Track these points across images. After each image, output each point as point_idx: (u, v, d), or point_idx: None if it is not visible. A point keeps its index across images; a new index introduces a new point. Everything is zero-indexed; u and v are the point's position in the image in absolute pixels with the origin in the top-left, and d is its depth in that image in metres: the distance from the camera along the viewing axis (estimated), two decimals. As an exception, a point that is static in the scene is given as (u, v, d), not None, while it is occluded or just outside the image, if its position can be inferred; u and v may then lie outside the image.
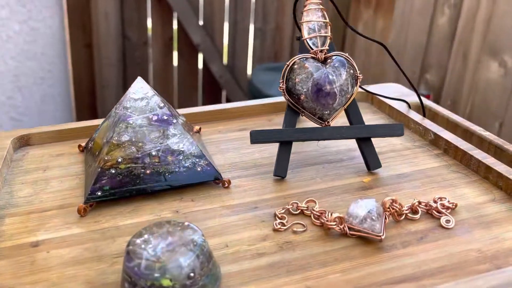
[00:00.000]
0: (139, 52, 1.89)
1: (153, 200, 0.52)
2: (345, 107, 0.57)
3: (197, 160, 0.53)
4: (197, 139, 0.60)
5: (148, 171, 0.52)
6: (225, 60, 1.98)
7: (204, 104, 2.04)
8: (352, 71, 0.56)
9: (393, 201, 0.47)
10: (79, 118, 1.94)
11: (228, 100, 2.04)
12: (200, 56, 1.94)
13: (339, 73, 0.54)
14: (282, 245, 0.45)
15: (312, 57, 0.56)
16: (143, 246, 0.38)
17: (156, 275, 0.36)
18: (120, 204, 0.51)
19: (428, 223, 0.48)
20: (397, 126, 0.57)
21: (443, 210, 0.49)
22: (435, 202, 0.50)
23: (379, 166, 0.57)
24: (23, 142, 0.64)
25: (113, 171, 0.51)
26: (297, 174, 0.57)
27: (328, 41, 0.56)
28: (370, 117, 0.73)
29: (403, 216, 0.49)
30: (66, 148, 0.64)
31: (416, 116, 0.68)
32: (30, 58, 1.56)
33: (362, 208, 0.46)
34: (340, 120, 0.65)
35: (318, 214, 0.48)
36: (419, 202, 0.50)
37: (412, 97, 0.73)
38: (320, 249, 0.45)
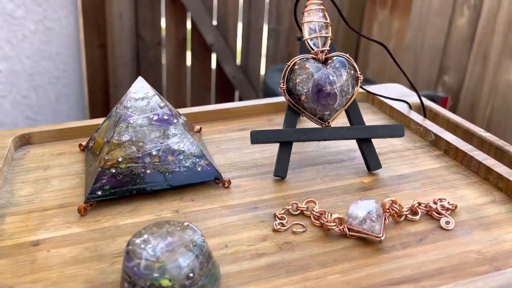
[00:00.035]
0: (152, 52, 1.89)
1: (153, 200, 0.52)
2: (346, 107, 0.57)
3: (198, 160, 0.53)
4: (197, 139, 0.60)
5: (148, 171, 0.52)
6: (238, 60, 1.97)
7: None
8: (352, 71, 0.56)
9: (393, 202, 0.47)
10: (93, 117, 1.94)
11: (240, 101, 2.04)
12: (214, 56, 1.94)
13: (340, 74, 0.54)
14: (282, 245, 0.45)
15: (313, 58, 0.56)
16: (142, 246, 0.38)
17: (156, 275, 0.36)
18: (120, 204, 0.51)
19: (427, 224, 0.48)
20: (397, 127, 0.57)
21: (443, 212, 0.49)
22: (435, 203, 0.50)
23: (379, 166, 0.57)
24: (24, 141, 0.64)
25: (114, 171, 0.51)
26: (297, 174, 0.57)
27: (329, 41, 0.56)
28: (371, 118, 0.72)
29: (403, 217, 0.49)
30: (67, 147, 0.64)
31: (416, 117, 0.68)
32: (45, 57, 1.57)
33: (362, 209, 0.46)
34: (340, 120, 0.65)
35: (318, 214, 0.48)
36: (419, 203, 0.50)
37: (413, 98, 0.73)
38: (320, 250, 0.45)
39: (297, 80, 0.55)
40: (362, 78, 0.56)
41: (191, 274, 0.37)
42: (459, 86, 1.46)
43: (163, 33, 1.88)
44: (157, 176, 0.52)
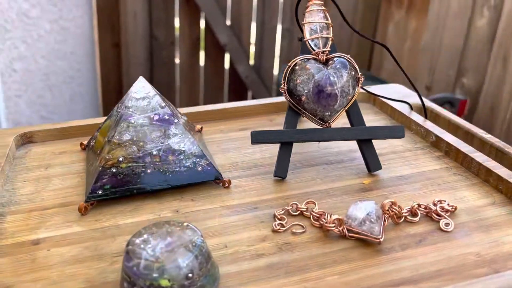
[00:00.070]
0: (166, 51, 1.89)
1: (154, 200, 0.52)
2: (346, 108, 0.57)
3: (198, 160, 0.54)
4: (198, 138, 0.60)
5: (149, 171, 0.52)
6: (251, 60, 1.97)
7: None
8: (353, 72, 0.56)
9: (393, 203, 0.48)
10: (106, 116, 1.95)
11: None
12: (227, 56, 1.94)
13: (340, 75, 0.54)
14: (281, 246, 0.45)
15: (314, 58, 0.56)
16: (142, 246, 0.38)
17: (155, 275, 0.36)
18: (120, 203, 0.52)
19: (427, 226, 0.48)
20: (398, 128, 0.57)
21: (443, 213, 0.49)
22: (434, 205, 0.50)
23: (380, 167, 0.57)
24: (26, 140, 0.64)
25: (114, 170, 0.51)
26: (298, 174, 0.57)
27: (330, 42, 0.56)
28: (372, 118, 0.73)
29: (402, 219, 0.49)
30: (68, 146, 0.64)
31: (418, 118, 0.68)
32: (60, 57, 1.58)
33: (361, 210, 0.46)
34: (341, 120, 0.65)
35: (318, 215, 0.49)
36: (419, 205, 0.50)
37: (415, 98, 0.73)
38: (319, 251, 0.45)
39: (298, 81, 0.55)
40: (363, 79, 0.56)
41: (190, 275, 0.37)
42: (478, 89, 1.43)
43: (177, 33, 1.89)
44: (157, 176, 0.52)
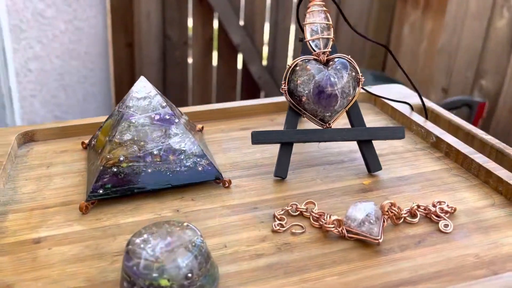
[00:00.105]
0: (179, 51, 1.89)
1: (154, 199, 0.53)
2: (347, 109, 0.57)
3: (199, 159, 0.54)
4: (199, 138, 0.60)
5: (149, 170, 0.52)
6: (264, 61, 1.97)
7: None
8: (354, 73, 0.56)
9: (392, 204, 0.48)
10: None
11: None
12: (240, 57, 1.94)
13: (341, 75, 0.55)
14: (281, 246, 0.46)
15: (315, 59, 0.56)
16: (142, 245, 0.38)
17: (155, 275, 0.37)
18: (121, 202, 0.52)
19: (426, 227, 0.48)
20: (398, 129, 0.58)
21: (442, 214, 0.49)
22: (434, 206, 0.50)
23: (380, 168, 0.57)
24: (28, 138, 0.65)
25: (115, 170, 0.51)
26: (298, 175, 0.58)
27: (330, 43, 0.56)
28: (373, 118, 0.73)
29: (402, 220, 0.49)
30: (69, 145, 0.64)
31: (418, 118, 0.68)
32: (74, 57, 1.59)
33: (361, 211, 0.46)
34: (341, 121, 0.65)
35: (317, 216, 0.49)
36: (418, 206, 0.50)
37: (415, 99, 0.73)
38: (318, 251, 0.45)
39: (298, 82, 0.55)
40: (363, 79, 0.56)
41: (189, 274, 0.37)
42: (497, 91, 1.41)
43: (190, 33, 1.89)
44: (158, 176, 0.52)
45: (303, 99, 0.55)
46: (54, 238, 0.47)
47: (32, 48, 1.46)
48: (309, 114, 0.56)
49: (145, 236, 0.39)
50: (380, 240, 0.45)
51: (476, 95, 1.48)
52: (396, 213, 0.48)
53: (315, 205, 0.51)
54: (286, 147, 0.56)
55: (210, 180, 0.54)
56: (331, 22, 0.57)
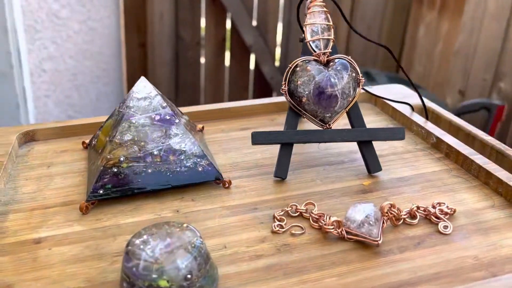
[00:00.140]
0: (192, 52, 1.89)
1: (154, 199, 0.53)
2: (347, 109, 0.57)
3: (199, 160, 0.54)
4: (199, 138, 0.60)
5: (149, 170, 0.52)
6: (277, 62, 1.97)
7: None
8: (354, 74, 0.56)
9: (392, 206, 0.48)
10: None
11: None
12: (252, 57, 1.93)
13: (341, 76, 0.55)
14: (280, 247, 0.46)
15: (315, 60, 0.56)
16: (142, 246, 0.38)
17: (154, 276, 0.37)
18: (121, 203, 0.52)
19: (426, 229, 0.48)
20: (398, 130, 0.58)
21: (441, 216, 0.49)
22: (433, 207, 0.50)
23: (380, 169, 0.57)
24: (29, 138, 0.65)
25: (115, 170, 0.51)
26: (298, 175, 0.58)
27: (331, 43, 0.56)
28: (373, 119, 0.73)
29: (401, 221, 0.49)
30: (70, 145, 0.64)
31: (419, 119, 0.68)
32: (87, 57, 1.60)
33: (360, 212, 0.46)
34: (342, 121, 0.65)
35: (317, 217, 0.49)
36: (418, 207, 0.50)
37: (416, 99, 0.73)
38: (318, 253, 0.45)
39: (299, 82, 0.55)
40: (364, 80, 0.56)
41: (189, 276, 0.37)
42: None
43: (203, 33, 1.89)
44: (158, 176, 0.52)
45: (303, 100, 0.55)
46: (54, 238, 0.47)
47: (46, 49, 1.47)
48: (309, 114, 0.56)
49: (145, 237, 0.39)
50: (380, 242, 0.45)
51: (495, 98, 1.46)
52: (395, 214, 0.48)
53: (314, 206, 0.51)
54: (286, 148, 0.56)
55: (210, 180, 0.54)
56: (331, 23, 0.57)
